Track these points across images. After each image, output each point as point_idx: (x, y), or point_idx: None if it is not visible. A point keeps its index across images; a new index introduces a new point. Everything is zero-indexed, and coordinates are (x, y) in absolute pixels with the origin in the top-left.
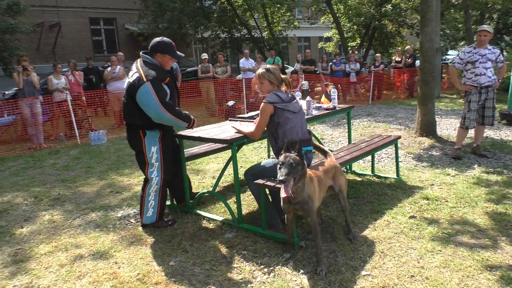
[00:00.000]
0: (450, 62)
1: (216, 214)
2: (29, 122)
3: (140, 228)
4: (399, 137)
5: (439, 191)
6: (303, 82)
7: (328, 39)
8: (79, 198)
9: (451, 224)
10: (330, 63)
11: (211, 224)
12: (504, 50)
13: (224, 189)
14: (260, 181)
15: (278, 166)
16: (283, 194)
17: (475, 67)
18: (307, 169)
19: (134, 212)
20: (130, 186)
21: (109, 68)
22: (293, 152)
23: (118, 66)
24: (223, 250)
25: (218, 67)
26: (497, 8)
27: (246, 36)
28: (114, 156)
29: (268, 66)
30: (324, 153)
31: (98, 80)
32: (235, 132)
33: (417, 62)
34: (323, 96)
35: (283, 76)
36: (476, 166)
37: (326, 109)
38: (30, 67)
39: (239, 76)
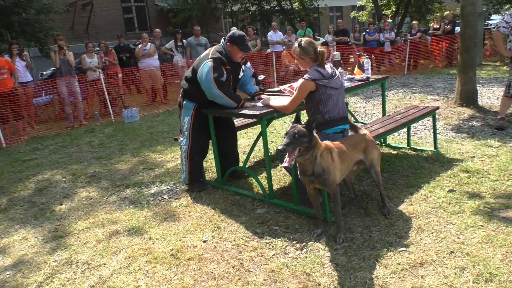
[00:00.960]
0: (494, 27)
1: (247, 190)
2: (66, 101)
3: (173, 204)
4: (437, 108)
5: (481, 164)
6: (335, 53)
7: (361, 8)
8: (114, 175)
9: (494, 198)
10: (363, 33)
11: (242, 200)
12: None
13: (255, 165)
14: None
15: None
16: (283, 164)
17: None
18: (325, 142)
19: (167, 188)
20: (163, 162)
21: (140, 45)
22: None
23: (149, 43)
24: (255, 225)
25: (248, 41)
26: None
27: (276, 8)
28: (147, 133)
29: (301, 40)
30: (355, 130)
31: (129, 59)
32: (264, 106)
33: (457, 29)
34: (356, 67)
35: (319, 49)
36: None
37: (359, 80)
38: (66, 46)
39: (268, 50)
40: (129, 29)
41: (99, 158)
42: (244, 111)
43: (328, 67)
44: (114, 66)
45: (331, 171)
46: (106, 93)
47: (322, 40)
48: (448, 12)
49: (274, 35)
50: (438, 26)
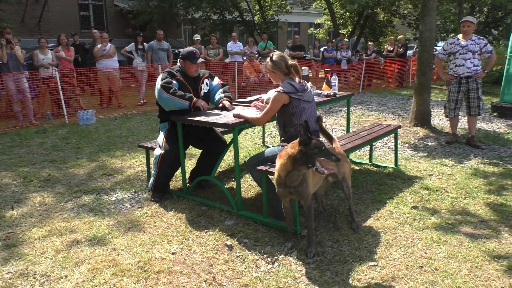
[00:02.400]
0: (436, 53)
1: (213, 201)
2: (14, 98)
3: (137, 213)
4: (399, 127)
5: (439, 182)
6: (303, 67)
7: (318, 26)
8: (70, 180)
9: (453, 214)
10: (322, 50)
11: (210, 211)
12: (491, 44)
13: (220, 175)
14: (262, 168)
15: (322, 148)
16: (331, 170)
17: (455, 58)
18: None
19: (129, 196)
20: (123, 169)
21: (99, 45)
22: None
23: (109, 44)
24: (224, 237)
25: (210, 49)
26: (487, 2)
27: (238, 19)
28: (104, 137)
29: (273, 55)
30: (330, 139)
31: (85, 58)
32: (234, 117)
33: (409, 52)
34: (324, 83)
35: (291, 62)
36: (472, 157)
37: (327, 96)
38: (15, 40)
39: (227, 60)
40: (84, 27)
41: (53, 161)
42: (216, 120)
43: (300, 80)
44: (69, 63)
45: (309, 183)
46: (61, 92)
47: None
48: (401, 36)
49: (233, 46)
50: (391, 49)
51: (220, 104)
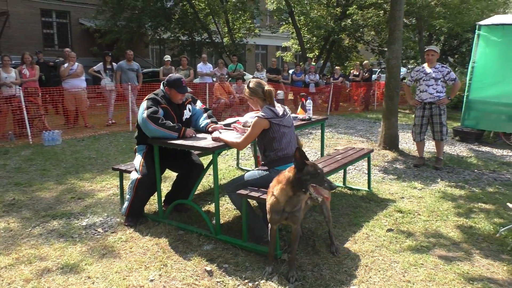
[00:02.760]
0: (403, 79)
1: (190, 225)
2: None
3: (110, 238)
4: (372, 150)
5: (410, 204)
6: (279, 92)
7: (285, 49)
8: (37, 204)
9: (427, 237)
10: (291, 73)
11: (187, 235)
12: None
13: (195, 198)
14: (243, 192)
15: (318, 175)
16: (326, 195)
17: (420, 84)
18: None
19: (100, 220)
20: (93, 192)
21: (66, 64)
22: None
23: (77, 63)
24: (204, 263)
25: (180, 71)
26: (444, 31)
27: (207, 40)
28: (72, 159)
29: (250, 82)
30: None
31: (48, 77)
32: (213, 140)
33: (373, 77)
34: (300, 107)
35: (266, 88)
36: (439, 180)
37: (302, 119)
38: None
39: (196, 80)
40: (48, 45)
41: (17, 184)
42: (195, 144)
43: (279, 106)
44: (34, 82)
45: (302, 208)
46: (25, 112)
47: (250, 76)
48: (366, 61)
49: (204, 67)
50: (357, 73)
51: (210, 129)
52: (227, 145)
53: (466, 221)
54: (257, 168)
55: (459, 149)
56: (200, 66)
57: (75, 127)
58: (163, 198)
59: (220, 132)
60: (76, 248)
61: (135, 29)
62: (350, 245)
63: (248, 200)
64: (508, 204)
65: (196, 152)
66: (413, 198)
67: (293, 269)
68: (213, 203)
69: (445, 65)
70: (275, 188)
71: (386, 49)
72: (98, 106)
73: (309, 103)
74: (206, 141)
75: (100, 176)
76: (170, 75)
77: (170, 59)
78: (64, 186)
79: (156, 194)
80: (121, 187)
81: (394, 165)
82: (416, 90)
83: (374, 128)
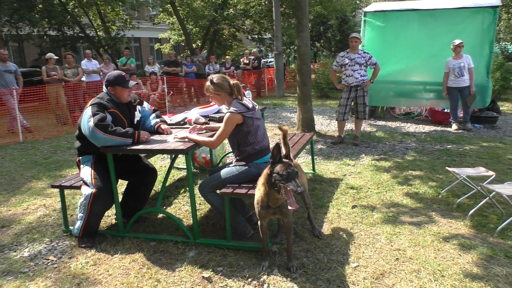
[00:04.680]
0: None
1: (157, 233)
2: None
3: (73, 265)
4: (313, 134)
5: (355, 180)
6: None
7: (159, 40)
8: None
9: (387, 207)
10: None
11: (161, 245)
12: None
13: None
14: (227, 190)
15: (284, 175)
16: (293, 206)
17: (345, 69)
18: None
19: (45, 247)
20: (16, 216)
21: None
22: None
23: None
24: (197, 270)
25: (67, 69)
26: (310, 19)
27: (80, 34)
28: None
29: (213, 77)
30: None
31: None
32: (176, 141)
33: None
34: None
35: (233, 82)
36: (363, 155)
37: None
38: None
39: (83, 78)
40: None
41: None
42: (165, 147)
43: (246, 98)
44: None
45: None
46: None
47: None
48: (255, 50)
49: (89, 64)
50: (247, 62)
51: (159, 129)
52: (198, 145)
53: (410, 189)
54: (233, 164)
55: (362, 126)
56: (85, 63)
57: None
58: (114, 211)
59: (169, 133)
60: (38, 284)
61: None
62: (328, 226)
63: (229, 198)
64: (447, 168)
65: (143, 155)
66: (354, 174)
67: (291, 259)
68: (169, 207)
69: (366, 51)
70: (259, 182)
71: (265, 37)
72: None
73: (248, 94)
74: (173, 143)
75: (15, 197)
76: (108, 73)
77: (54, 56)
78: None
79: (115, 207)
80: (63, 205)
81: (318, 147)
82: (341, 75)
83: (279, 113)
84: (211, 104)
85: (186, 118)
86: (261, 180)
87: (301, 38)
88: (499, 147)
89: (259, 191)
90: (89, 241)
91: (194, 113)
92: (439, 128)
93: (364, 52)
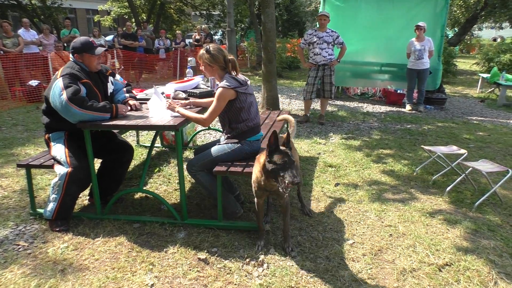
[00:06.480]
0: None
1: (138, 215)
2: None
3: (50, 250)
4: (289, 112)
5: (331, 158)
6: (190, 58)
7: (97, 12)
8: None
9: (369, 185)
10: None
11: (147, 227)
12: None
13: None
14: (221, 168)
15: (281, 164)
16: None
17: (313, 48)
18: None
19: (11, 232)
20: None
21: None
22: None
23: None
24: (191, 252)
25: (6, 39)
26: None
27: (11, 1)
28: None
29: (210, 47)
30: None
31: None
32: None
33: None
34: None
35: (229, 57)
36: (331, 134)
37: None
38: None
39: (24, 50)
40: None
41: None
42: (156, 123)
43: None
44: None
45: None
46: None
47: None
48: (205, 26)
49: (26, 34)
50: (199, 38)
51: (127, 105)
52: (187, 120)
53: (385, 167)
54: (224, 142)
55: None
56: (22, 33)
57: None
58: (88, 191)
59: (139, 109)
60: (14, 272)
61: None
62: (316, 204)
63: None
64: (422, 146)
65: (116, 130)
66: (328, 153)
67: (288, 240)
68: (146, 187)
69: (334, 30)
70: (256, 166)
71: (214, 13)
72: None
73: (189, 72)
74: (162, 118)
75: None
76: (74, 40)
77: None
78: None
79: (92, 187)
80: (30, 186)
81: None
82: (309, 53)
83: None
84: (188, 78)
85: (164, 93)
86: (257, 167)
87: (267, 14)
88: (453, 127)
89: (255, 174)
90: (64, 224)
91: (171, 88)
92: (394, 109)
93: (332, 31)
